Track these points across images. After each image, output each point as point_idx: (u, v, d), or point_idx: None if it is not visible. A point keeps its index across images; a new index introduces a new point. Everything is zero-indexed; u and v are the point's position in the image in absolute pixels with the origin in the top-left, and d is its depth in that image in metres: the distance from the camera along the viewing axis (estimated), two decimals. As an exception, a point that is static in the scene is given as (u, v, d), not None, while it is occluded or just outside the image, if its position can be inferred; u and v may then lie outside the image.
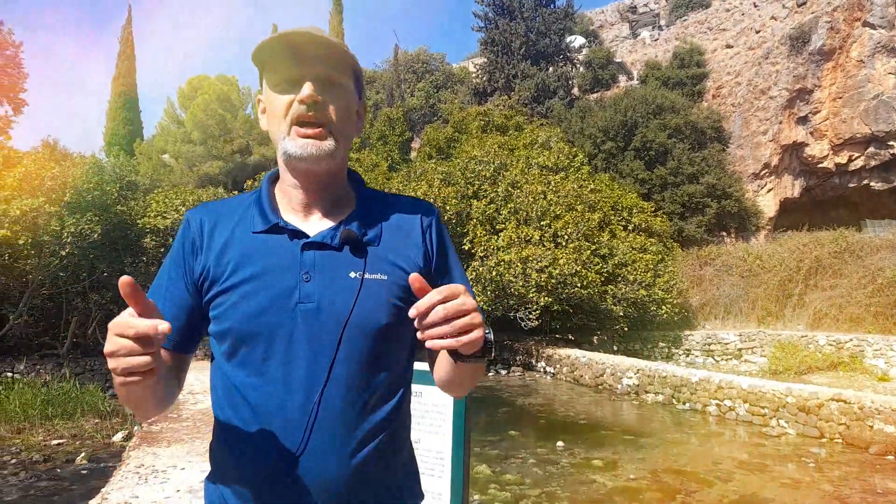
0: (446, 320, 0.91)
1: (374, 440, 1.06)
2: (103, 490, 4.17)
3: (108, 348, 0.86)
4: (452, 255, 1.21)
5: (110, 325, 0.87)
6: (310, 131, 1.07)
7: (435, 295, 0.91)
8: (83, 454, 6.66)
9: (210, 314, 1.11)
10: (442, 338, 0.92)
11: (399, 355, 1.13)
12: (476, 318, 0.93)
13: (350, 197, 1.18)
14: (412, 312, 0.92)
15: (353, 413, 1.05)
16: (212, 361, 1.15)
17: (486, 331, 0.98)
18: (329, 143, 1.08)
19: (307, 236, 1.09)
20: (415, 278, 0.93)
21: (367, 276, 1.07)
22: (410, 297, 1.05)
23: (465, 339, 0.92)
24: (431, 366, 1.21)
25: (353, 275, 1.07)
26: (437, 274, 1.16)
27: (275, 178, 1.19)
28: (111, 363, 0.87)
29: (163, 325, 0.85)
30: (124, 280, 0.86)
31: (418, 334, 0.94)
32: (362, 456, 1.05)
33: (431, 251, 1.16)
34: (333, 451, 1.03)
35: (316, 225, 1.12)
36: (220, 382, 1.11)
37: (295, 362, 1.04)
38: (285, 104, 1.07)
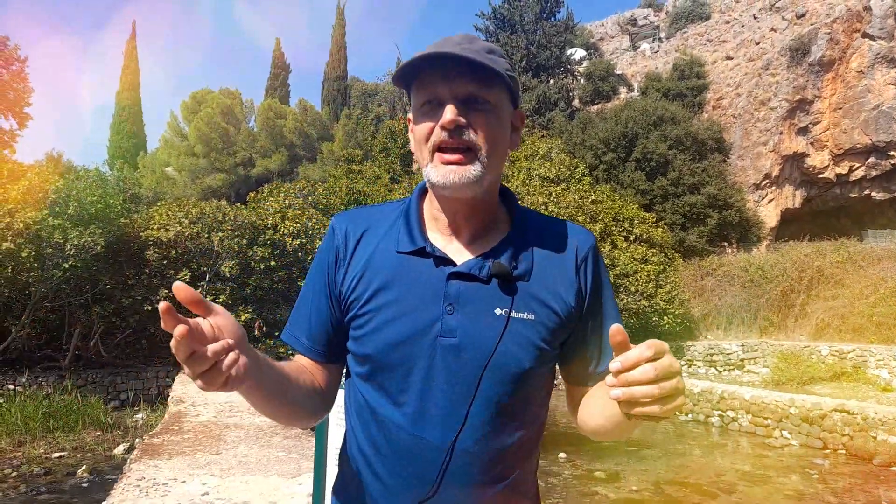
0: (655, 381, 0.79)
1: (503, 487, 1.01)
2: (104, 503, 4.16)
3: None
4: (608, 293, 1.09)
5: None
6: (452, 157, 0.98)
7: (645, 351, 0.80)
8: (84, 467, 6.65)
9: (350, 333, 1.07)
10: (648, 400, 0.80)
11: (537, 400, 1.06)
12: (682, 382, 0.82)
13: (501, 219, 1.10)
14: (614, 366, 0.81)
15: (487, 459, 0.99)
16: (346, 377, 1.12)
17: None
18: (474, 169, 0.98)
19: (454, 264, 1.02)
20: (616, 330, 0.82)
21: (513, 314, 0.99)
22: (557, 339, 1.03)
23: (670, 406, 0.80)
24: (570, 402, 1.14)
25: (498, 311, 1.00)
26: (588, 315, 1.06)
27: (424, 190, 1.12)
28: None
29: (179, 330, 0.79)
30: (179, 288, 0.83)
31: (612, 392, 0.81)
32: (493, 495, 1.00)
33: (585, 289, 1.06)
34: (464, 497, 0.99)
35: (463, 252, 1.04)
36: (353, 400, 1.08)
37: (431, 399, 0.99)
38: (427, 129, 1.00)
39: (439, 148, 0.99)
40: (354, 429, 1.07)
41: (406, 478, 0.99)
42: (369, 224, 1.10)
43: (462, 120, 0.97)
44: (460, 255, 1.04)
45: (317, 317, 1.09)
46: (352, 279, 1.06)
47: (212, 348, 0.80)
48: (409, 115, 1.08)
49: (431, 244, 1.04)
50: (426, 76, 0.99)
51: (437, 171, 0.99)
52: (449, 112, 0.96)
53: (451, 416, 0.98)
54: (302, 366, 1.10)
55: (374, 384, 1.03)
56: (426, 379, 0.99)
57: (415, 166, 21.82)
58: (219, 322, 0.84)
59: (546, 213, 13.47)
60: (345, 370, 1.13)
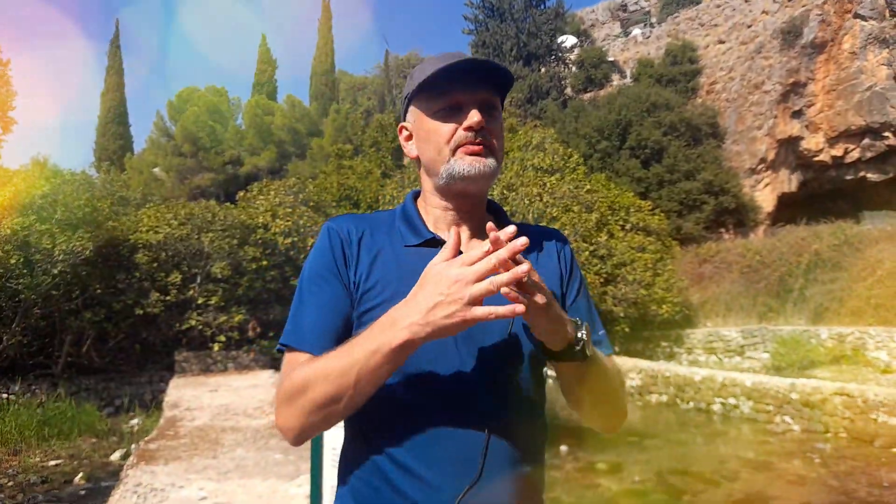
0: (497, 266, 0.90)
1: (535, 468, 1.08)
2: (99, 512, 4.09)
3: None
4: (582, 282, 1.21)
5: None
6: (477, 149, 1.09)
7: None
8: (81, 474, 6.60)
9: (362, 328, 1.06)
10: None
11: (543, 386, 1.14)
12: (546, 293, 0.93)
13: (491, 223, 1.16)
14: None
15: (521, 438, 1.04)
16: None
17: (579, 331, 0.99)
18: (493, 162, 1.10)
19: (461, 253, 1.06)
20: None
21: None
22: None
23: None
24: (562, 389, 1.20)
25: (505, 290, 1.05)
26: (567, 296, 1.17)
27: (416, 196, 1.21)
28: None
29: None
30: None
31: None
32: (524, 478, 1.04)
33: (565, 274, 1.18)
34: (508, 479, 1.01)
35: (468, 244, 1.13)
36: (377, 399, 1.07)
37: (460, 381, 1.02)
38: (449, 130, 1.09)
39: (462, 146, 1.09)
40: (368, 434, 1.05)
41: (447, 466, 0.99)
42: (368, 226, 1.15)
43: (485, 123, 1.08)
44: (467, 246, 1.11)
45: (340, 320, 1.08)
46: (362, 273, 1.09)
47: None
48: (406, 124, 1.18)
49: (438, 235, 1.12)
50: (443, 83, 1.08)
51: (463, 161, 1.08)
52: (476, 115, 1.07)
53: (483, 398, 1.02)
54: None
55: (397, 375, 1.01)
56: (452, 362, 1.02)
57: (406, 160, 21.72)
58: None
59: (541, 203, 13.46)
60: None
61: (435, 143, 1.10)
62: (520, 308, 0.90)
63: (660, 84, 23.31)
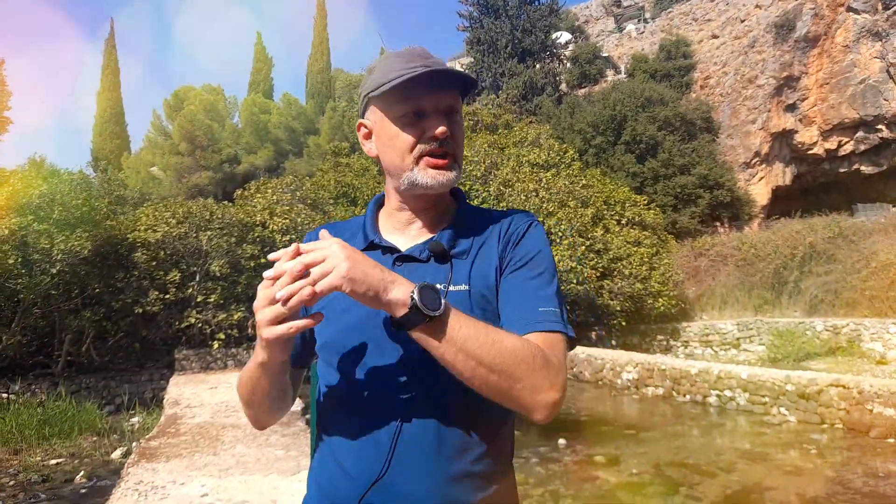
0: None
1: (462, 464, 1.03)
2: (102, 509, 4.12)
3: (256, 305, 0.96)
4: (528, 257, 1.11)
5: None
6: (440, 162, 1.09)
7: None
8: (82, 473, 6.61)
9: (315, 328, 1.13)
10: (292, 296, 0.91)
11: None
12: (326, 265, 0.91)
13: (451, 212, 1.19)
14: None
15: (439, 432, 1.03)
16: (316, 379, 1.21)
17: (412, 293, 0.92)
18: (455, 173, 1.11)
19: (399, 251, 1.12)
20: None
21: (451, 288, 1.06)
22: (489, 307, 1.08)
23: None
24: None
25: (438, 287, 1.04)
26: (505, 270, 1.10)
27: (379, 201, 1.23)
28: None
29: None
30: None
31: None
32: (450, 475, 1.02)
33: (506, 251, 1.12)
34: (419, 474, 1.01)
35: (414, 241, 1.15)
36: (319, 392, 1.16)
37: (384, 375, 1.05)
38: (412, 138, 1.09)
39: (427, 155, 1.09)
40: (319, 424, 1.15)
41: (363, 458, 1.03)
42: (337, 233, 1.16)
43: (448, 132, 1.08)
44: (410, 243, 1.14)
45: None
46: None
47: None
48: (365, 121, 1.16)
49: (381, 237, 1.15)
50: (407, 88, 1.07)
51: (426, 174, 1.09)
52: (441, 125, 1.07)
53: (402, 389, 1.03)
54: None
55: (334, 371, 1.10)
56: (379, 358, 1.05)
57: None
58: None
59: (537, 199, 13.50)
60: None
61: (398, 149, 1.10)
62: (310, 322, 0.95)
63: (654, 79, 23.36)
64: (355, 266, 0.91)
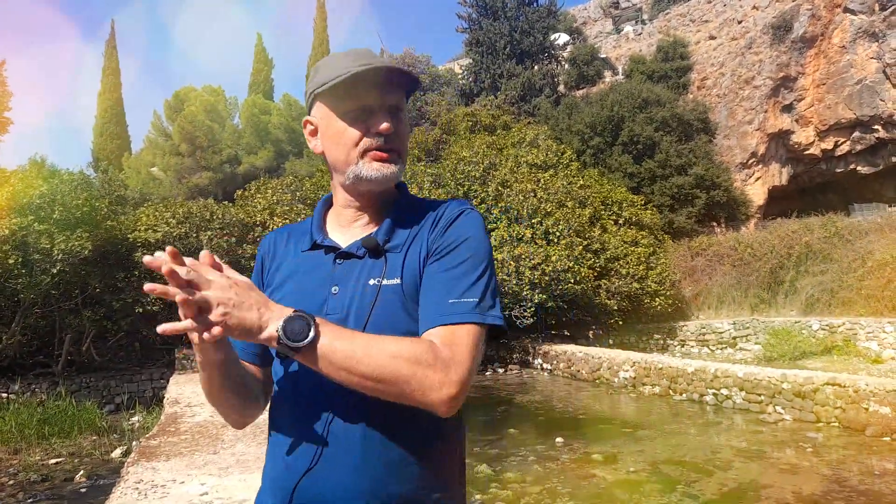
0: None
1: (390, 458, 1.04)
2: (103, 507, 4.15)
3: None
4: (452, 245, 1.10)
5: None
6: (385, 156, 1.12)
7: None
8: (82, 472, 6.63)
9: None
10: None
11: None
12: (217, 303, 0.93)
13: (391, 206, 1.20)
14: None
15: (366, 426, 1.04)
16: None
17: (277, 329, 0.94)
18: (399, 167, 1.14)
19: (340, 249, 1.15)
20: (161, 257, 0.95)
21: (384, 282, 1.08)
22: (418, 299, 1.09)
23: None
24: None
25: (373, 282, 1.09)
26: (425, 269, 1.10)
27: (327, 201, 1.25)
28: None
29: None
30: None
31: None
32: (376, 468, 1.04)
33: (433, 240, 1.11)
34: (347, 468, 1.03)
35: (357, 237, 1.16)
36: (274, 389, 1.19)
37: (318, 374, 1.05)
38: (357, 133, 1.11)
39: (371, 149, 1.12)
40: (269, 416, 1.17)
41: (298, 448, 1.06)
42: (288, 235, 1.24)
43: (393, 129, 1.11)
44: (355, 239, 1.15)
45: None
46: (270, 281, 1.20)
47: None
48: (310, 118, 1.18)
49: (324, 237, 1.17)
50: (354, 85, 1.09)
51: (371, 167, 1.11)
52: (387, 122, 1.10)
53: (333, 384, 1.02)
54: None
55: (280, 367, 1.14)
56: None
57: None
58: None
59: (535, 199, 13.55)
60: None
61: (344, 144, 1.12)
62: (216, 331, 0.93)
63: (651, 80, 23.41)
64: (231, 311, 0.93)
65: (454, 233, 1.11)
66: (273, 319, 0.95)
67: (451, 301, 1.04)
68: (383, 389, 0.97)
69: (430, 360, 0.97)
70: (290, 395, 1.11)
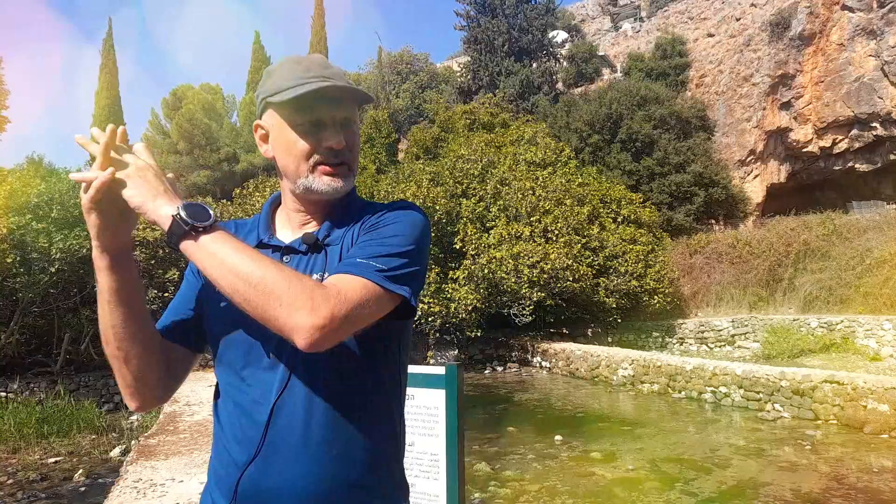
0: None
1: (333, 451, 1.06)
2: (102, 506, 4.15)
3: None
4: (381, 227, 1.12)
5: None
6: (336, 170, 1.13)
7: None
8: (81, 471, 6.62)
9: (204, 323, 1.19)
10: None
11: (369, 350, 1.11)
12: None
13: (336, 207, 1.21)
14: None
15: (310, 419, 1.06)
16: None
17: (178, 206, 0.99)
18: (350, 181, 1.16)
19: (283, 245, 1.16)
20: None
21: (326, 276, 1.08)
22: None
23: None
24: None
25: (315, 277, 1.09)
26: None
27: (275, 201, 1.26)
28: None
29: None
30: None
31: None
32: (317, 461, 1.06)
33: (361, 229, 1.14)
34: (289, 458, 1.05)
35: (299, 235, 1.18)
36: (217, 386, 1.19)
37: (260, 368, 1.09)
38: (308, 146, 1.12)
39: (322, 163, 1.13)
40: (213, 412, 1.18)
41: (242, 441, 1.07)
42: (236, 229, 1.23)
43: (345, 144, 1.13)
44: (295, 237, 1.17)
45: (178, 299, 1.24)
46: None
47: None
48: (261, 122, 1.18)
49: (270, 236, 1.19)
50: (307, 99, 1.09)
51: (321, 181, 1.12)
52: (338, 138, 1.11)
53: (276, 379, 1.07)
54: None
55: (225, 364, 1.14)
56: (263, 351, 1.09)
57: (400, 155, 21.73)
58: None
59: (534, 197, 13.55)
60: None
61: (295, 156, 1.12)
62: (103, 175, 1.01)
63: (650, 78, 23.40)
64: (137, 178, 1.01)
65: (386, 218, 1.13)
66: (172, 201, 1.00)
67: (359, 259, 1.05)
68: (254, 298, 0.95)
69: (311, 286, 0.97)
70: (233, 390, 1.12)
